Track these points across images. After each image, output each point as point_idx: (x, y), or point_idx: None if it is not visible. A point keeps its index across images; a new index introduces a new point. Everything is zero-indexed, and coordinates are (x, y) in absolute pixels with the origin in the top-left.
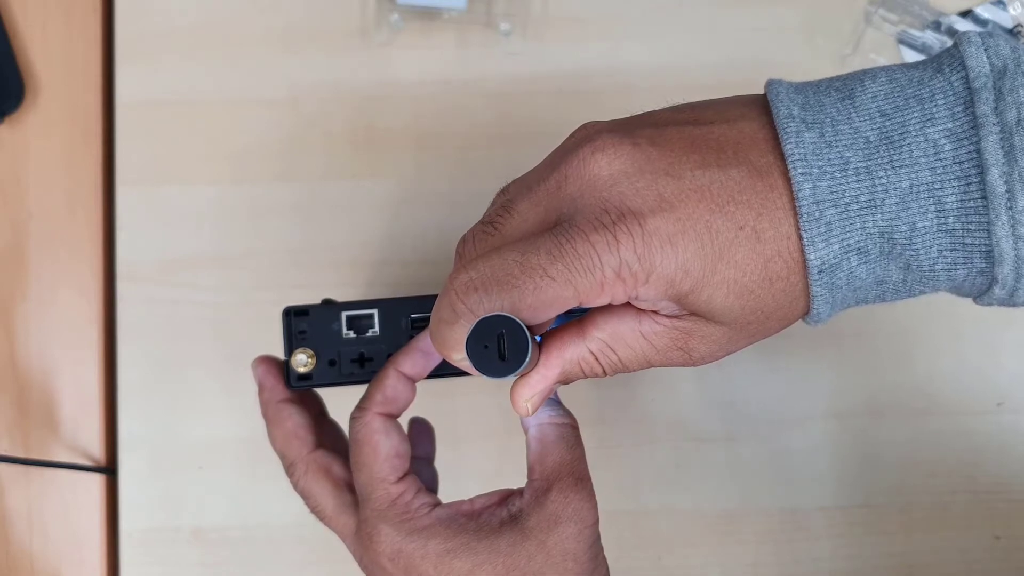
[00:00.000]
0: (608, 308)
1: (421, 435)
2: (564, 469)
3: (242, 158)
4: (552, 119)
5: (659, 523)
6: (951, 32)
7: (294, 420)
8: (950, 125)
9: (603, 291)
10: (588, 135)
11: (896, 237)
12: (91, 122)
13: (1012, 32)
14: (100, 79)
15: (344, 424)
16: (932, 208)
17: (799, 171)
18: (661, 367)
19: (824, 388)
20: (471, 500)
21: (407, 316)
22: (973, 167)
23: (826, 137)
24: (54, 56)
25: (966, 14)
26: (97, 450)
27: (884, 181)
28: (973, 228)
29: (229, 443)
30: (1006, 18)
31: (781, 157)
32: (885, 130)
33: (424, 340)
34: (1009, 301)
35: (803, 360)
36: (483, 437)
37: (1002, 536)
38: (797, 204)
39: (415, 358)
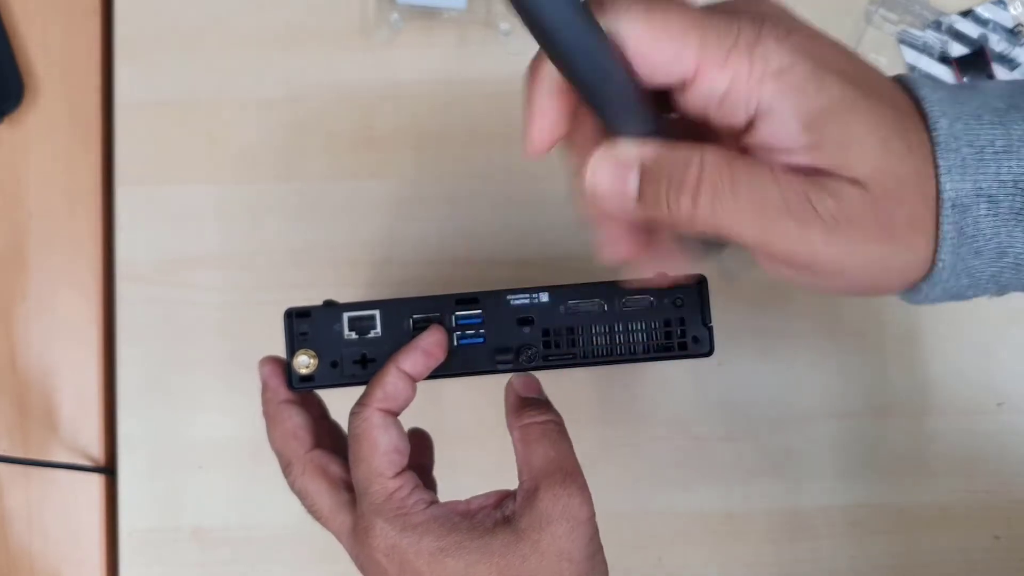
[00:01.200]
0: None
1: (419, 446)
2: (551, 467)
3: (242, 158)
4: None
5: (659, 523)
6: (952, 32)
7: (293, 420)
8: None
9: (730, 57)
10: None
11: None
12: (91, 122)
13: (1012, 32)
14: (100, 79)
15: (345, 424)
16: None
17: (936, 109)
18: (768, 256)
19: (824, 388)
20: (467, 501)
21: (409, 317)
22: None
23: (958, 98)
24: (54, 56)
25: (967, 14)
26: (97, 450)
27: (1019, 132)
28: None
29: (229, 443)
30: (1007, 18)
31: (919, 107)
32: (1014, 101)
33: (425, 339)
34: None
35: (803, 360)
36: (481, 435)
37: (1002, 536)
38: (934, 134)
39: (416, 357)
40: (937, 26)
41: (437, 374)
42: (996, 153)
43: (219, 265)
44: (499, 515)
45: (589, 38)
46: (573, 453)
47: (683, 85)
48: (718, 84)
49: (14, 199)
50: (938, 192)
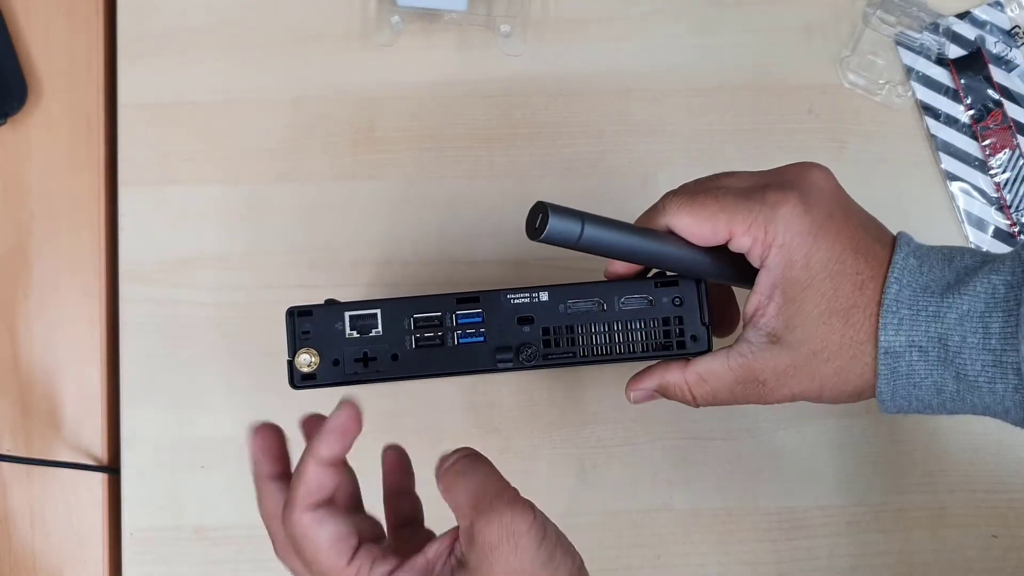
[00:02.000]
0: (710, 355)
1: (395, 468)
2: (475, 499)
3: (244, 159)
4: (552, 120)
5: (658, 522)
6: (949, 33)
7: (274, 499)
8: (1009, 277)
9: (753, 225)
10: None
11: (949, 345)
12: (93, 123)
13: (1009, 33)
14: (102, 80)
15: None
16: (980, 329)
17: (893, 276)
18: (744, 403)
19: None
20: (425, 551)
21: (410, 316)
22: (1016, 306)
23: (923, 268)
24: (57, 57)
25: (964, 16)
26: (99, 449)
27: (950, 302)
28: (1009, 349)
29: (231, 442)
30: (1003, 20)
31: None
32: (961, 276)
33: (336, 420)
34: None
35: None
36: (474, 437)
37: (999, 535)
38: (884, 297)
39: (331, 440)
40: (934, 28)
41: (437, 372)
42: (927, 318)
43: (221, 265)
44: (453, 561)
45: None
46: (493, 474)
47: (727, 243)
48: (744, 244)
49: (17, 199)
50: (876, 343)
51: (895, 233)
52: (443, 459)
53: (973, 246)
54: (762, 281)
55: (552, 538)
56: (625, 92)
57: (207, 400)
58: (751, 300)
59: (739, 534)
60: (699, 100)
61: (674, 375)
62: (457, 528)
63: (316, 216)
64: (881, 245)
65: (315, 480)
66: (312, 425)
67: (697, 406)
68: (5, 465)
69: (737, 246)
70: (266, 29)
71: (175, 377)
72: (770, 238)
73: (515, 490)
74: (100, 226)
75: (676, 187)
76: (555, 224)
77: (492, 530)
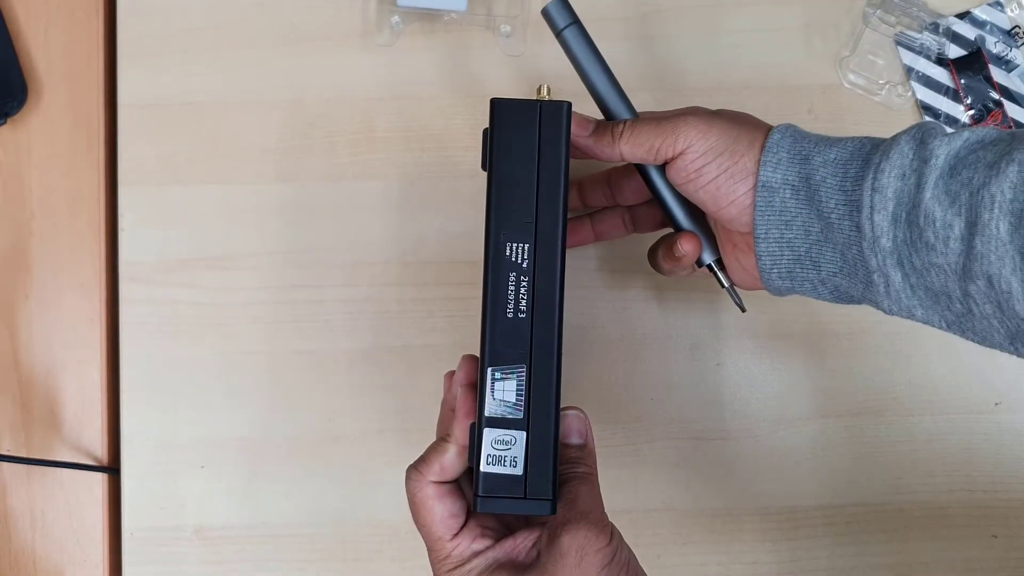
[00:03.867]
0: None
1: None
2: (570, 509)
3: (244, 159)
4: None
5: (658, 521)
6: (949, 33)
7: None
8: (880, 141)
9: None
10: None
11: (812, 183)
12: (93, 123)
13: (1009, 33)
14: (102, 80)
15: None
16: (840, 173)
17: (778, 128)
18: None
19: (822, 387)
20: (515, 535)
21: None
22: (871, 155)
23: (799, 133)
24: (57, 57)
25: (964, 16)
26: (100, 449)
27: (820, 149)
28: (856, 189)
29: (231, 442)
30: (1003, 19)
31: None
32: (834, 138)
33: (464, 406)
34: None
35: (801, 360)
36: None
37: (1000, 535)
38: (767, 140)
39: (464, 426)
40: (934, 28)
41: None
42: (800, 160)
43: (221, 265)
44: (535, 552)
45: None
46: (596, 494)
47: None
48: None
49: (17, 200)
50: (756, 180)
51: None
52: (569, 449)
53: None
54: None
55: (618, 566)
56: (625, 92)
57: (207, 400)
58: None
59: (739, 534)
60: (699, 100)
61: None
62: (541, 528)
63: (316, 216)
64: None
65: (451, 463)
66: (451, 378)
67: (615, 144)
68: (5, 465)
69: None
70: (266, 29)
71: (175, 377)
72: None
73: (604, 515)
74: (100, 226)
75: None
76: (552, 8)
77: (568, 539)
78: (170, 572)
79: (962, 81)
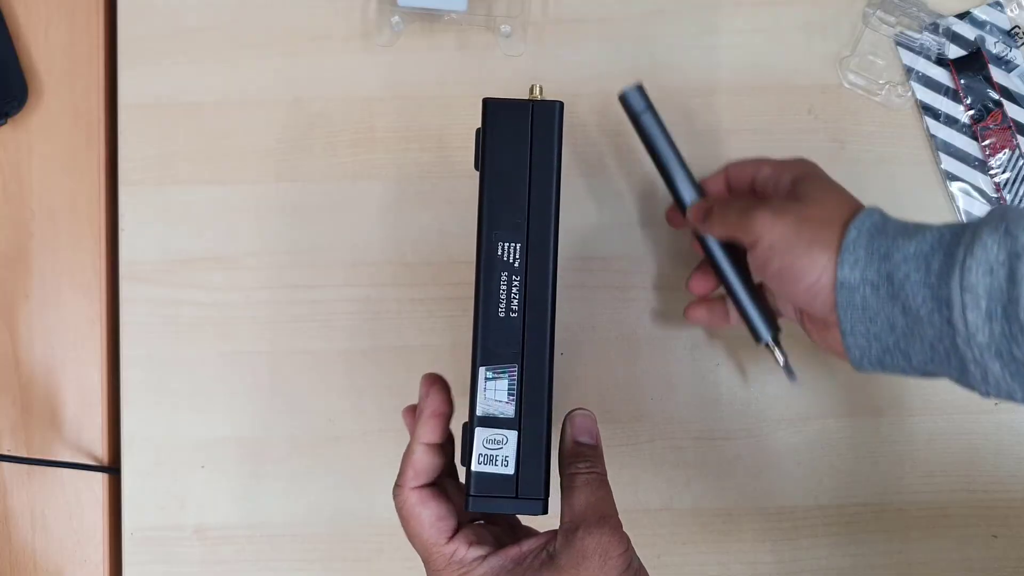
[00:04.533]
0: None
1: (440, 395)
2: (589, 511)
3: (244, 159)
4: None
5: (659, 521)
6: (949, 34)
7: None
8: (959, 229)
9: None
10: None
11: (895, 280)
12: (94, 123)
13: (1009, 33)
14: (103, 80)
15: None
16: (923, 267)
17: (854, 224)
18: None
19: (822, 387)
20: (519, 544)
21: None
22: (955, 248)
23: (884, 223)
24: (57, 58)
25: (964, 16)
26: (100, 449)
27: (899, 244)
28: (943, 285)
29: (231, 442)
30: (1003, 20)
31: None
32: (920, 228)
33: (430, 405)
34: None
35: (801, 360)
36: None
37: (999, 535)
38: (843, 240)
39: (432, 425)
40: (934, 28)
41: None
42: (880, 258)
43: (221, 265)
44: (544, 555)
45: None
46: (611, 499)
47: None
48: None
49: (18, 199)
50: (835, 278)
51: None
52: (577, 449)
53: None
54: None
55: (632, 572)
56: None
57: (207, 400)
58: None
59: (739, 534)
60: (699, 100)
61: (715, 201)
62: (553, 532)
63: (316, 216)
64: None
65: (421, 463)
66: (412, 413)
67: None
68: (5, 465)
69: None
70: (266, 29)
71: (175, 377)
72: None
73: (619, 520)
74: (100, 226)
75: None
76: (630, 94)
77: (591, 541)
78: (170, 572)
79: (962, 81)
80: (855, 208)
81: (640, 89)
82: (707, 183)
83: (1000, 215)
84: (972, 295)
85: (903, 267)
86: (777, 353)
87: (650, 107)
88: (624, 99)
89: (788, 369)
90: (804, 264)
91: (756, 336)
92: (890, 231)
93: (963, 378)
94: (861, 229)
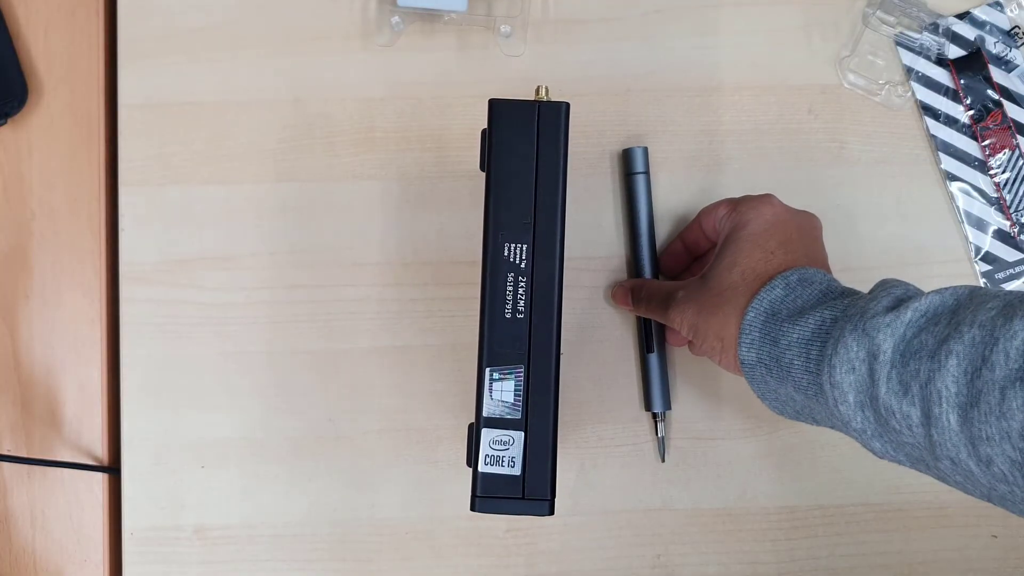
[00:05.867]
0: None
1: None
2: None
3: (244, 159)
4: None
5: (659, 521)
6: (948, 34)
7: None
8: (837, 313)
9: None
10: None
11: (782, 363)
12: (94, 123)
13: (1009, 34)
14: (103, 80)
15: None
16: (803, 355)
17: (753, 304)
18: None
19: None
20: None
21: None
22: (826, 340)
23: (784, 298)
24: (57, 58)
25: (963, 16)
26: (100, 449)
27: (785, 329)
28: (821, 371)
29: (231, 442)
30: (1003, 20)
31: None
32: (806, 308)
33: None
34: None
35: None
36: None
37: (1000, 535)
38: (743, 319)
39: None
40: (934, 28)
41: None
42: (770, 342)
43: (221, 265)
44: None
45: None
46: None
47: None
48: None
49: (18, 199)
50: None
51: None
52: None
53: (971, 244)
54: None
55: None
56: (625, 92)
57: (207, 400)
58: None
59: (739, 534)
60: (699, 100)
61: (637, 282)
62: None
63: (316, 216)
64: (790, 258)
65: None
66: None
67: (635, 303)
68: (5, 465)
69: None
70: (266, 29)
71: (175, 377)
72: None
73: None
74: (100, 226)
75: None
76: (635, 152)
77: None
78: (170, 572)
79: (962, 81)
80: (764, 278)
81: (645, 151)
82: (684, 235)
83: (862, 303)
84: (840, 391)
85: (788, 353)
86: (659, 427)
87: (647, 172)
88: (628, 155)
89: (662, 444)
90: (714, 345)
91: (647, 405)
92: (783, 312)
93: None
94: (758, 310)
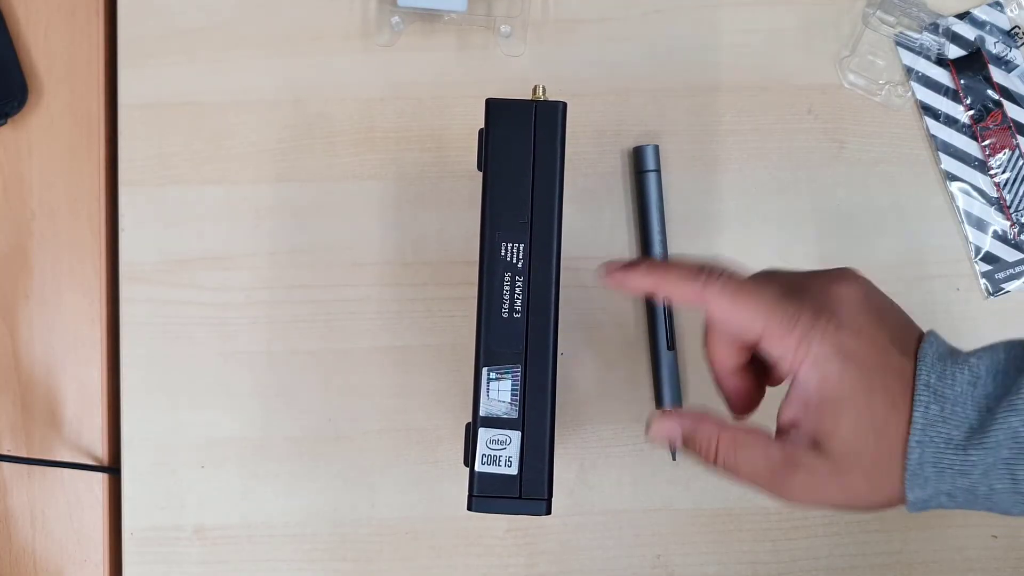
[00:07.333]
0: (751, 428)
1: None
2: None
3: (244, 159)
4: None
5: (658, 521)
6: (948, 34)
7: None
8: (1016, 420)
9: (785, 342)
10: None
11: (978, 493)
12: (94, 123)
13: (1009, 34)
14: (103, 80)
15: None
16: (1008, 477)
17: (915, 439)
18: (761, 492)
19: None
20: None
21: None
22: None
23: (944, 413)
24: (57, 57)
25: (963, 16)
26: (100, 449)
27: (974, 459)
28: None
29: (231, 442)
30: (1003, 20)
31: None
32: (984, 421)
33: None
34: None
35: None
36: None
37: (999, 535)
38: (907, 460)
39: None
40: (934, 28)
41: None
42: (954, 474)
43: (221, 265)
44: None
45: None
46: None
47: (754, 343)
48: (774, 351)
49: (18, 199)
50: (904, 498)
51: (920, 336)
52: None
53: (972, 244)
54: (795, 395)
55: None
56: (625, 92)
57: (207, 400)
58: (785, 412)
59: (739, 534)
60: (699, 100)
61: (708, 427)
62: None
63: (316, 216)
64: (907, 358)
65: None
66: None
67: (714, 466)
68: (5, 465)
69: (766, 351)
70: (266, 29)
71: (175, 377)
72: (802, 355)
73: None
74: (100, 226)
75: (721, 269)
76: (646, 150)
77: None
78: (170, 572)
79: (962, 81)
80: (903, 410)
81: (656, 149)
82: (744, 370)
83: None
84: None
85: (984, 481)
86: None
87: (658, 169)
88: (639, 152)
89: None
90: (866, 499)
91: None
92: (956, 434)
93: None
94: (924, 442)
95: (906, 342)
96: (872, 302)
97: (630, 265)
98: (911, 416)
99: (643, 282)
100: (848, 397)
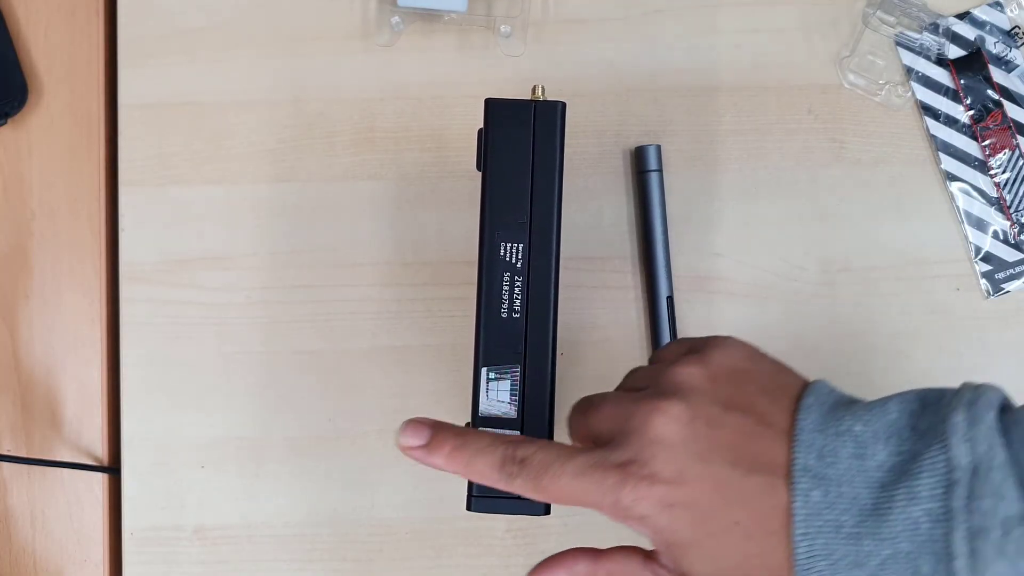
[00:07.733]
0: (627, 548)
1: None
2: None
3: (244, 159)
4: None
5: None
6: (948, 34)
7: None
8: (930, 506)
9: (602, 509)
10: (669, 390)
11: None
12: (94, 123)
13: (1009, 34)
14: (103, 80)
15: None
16: (910, 571)
17: (799, 531)
18: None
19: None
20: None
21: None
22: (944, 549)
23: (829, 498)
24: (57, 57)
25: (963, 16)
26: (100, 449)
27: (869, 548)
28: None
29: (231, 442)
30: (1003, 20)
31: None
32: (878, 501)
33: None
34: None
35: (800, 359)
36: None
37: None
38: (794, 557)
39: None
40: (934, 28)
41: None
42: (848, 566)
43: (221, 265)
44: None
45: None
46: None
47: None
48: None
49: (18, 200)
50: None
51: (798, 400)
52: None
53: (972, 244)
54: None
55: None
56: (625, 92)
57: (207, 400)
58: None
59: None
60: (699, 100)
61: (585, 566)
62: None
63: (316, 216)
64: (774, 448)
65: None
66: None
67: None
68: (5, 465)
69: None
70: (266, 29)
71: (175, 377)
72: (630, 520)
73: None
74: (100, 226)
75: (524, 451)
76: (648, 149)
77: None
78: (170, 572)
79: (962, 81)
80: (782, 515)
81: (658, 149)
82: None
83: (979, 513)
84: None
85: (882, 574)
86: None
87: (660, 169)
88: (641, 152)
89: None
90: (741, 555)
91: None
92: (846, 519)
93: None
94: (809, 535)
95: (771, 426)
96: (702, 414)
97: (432, 445)
98: (791, 505)
99: (446, 467)
100: (690, 543)
